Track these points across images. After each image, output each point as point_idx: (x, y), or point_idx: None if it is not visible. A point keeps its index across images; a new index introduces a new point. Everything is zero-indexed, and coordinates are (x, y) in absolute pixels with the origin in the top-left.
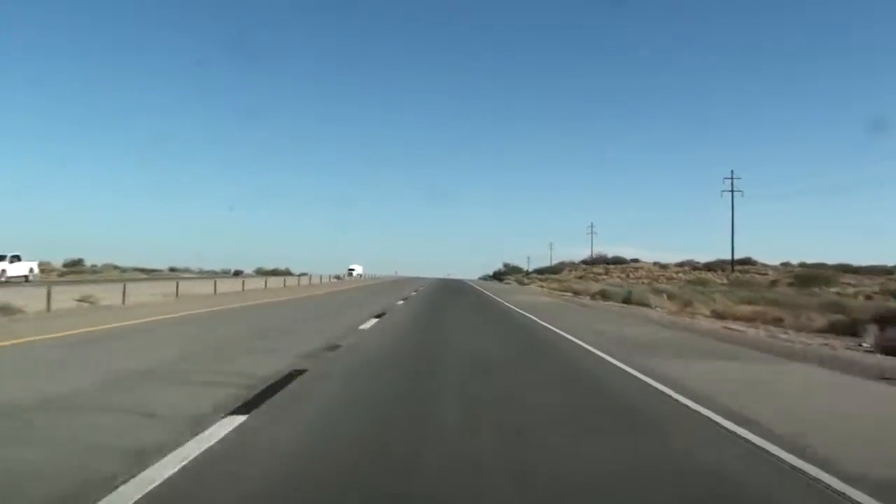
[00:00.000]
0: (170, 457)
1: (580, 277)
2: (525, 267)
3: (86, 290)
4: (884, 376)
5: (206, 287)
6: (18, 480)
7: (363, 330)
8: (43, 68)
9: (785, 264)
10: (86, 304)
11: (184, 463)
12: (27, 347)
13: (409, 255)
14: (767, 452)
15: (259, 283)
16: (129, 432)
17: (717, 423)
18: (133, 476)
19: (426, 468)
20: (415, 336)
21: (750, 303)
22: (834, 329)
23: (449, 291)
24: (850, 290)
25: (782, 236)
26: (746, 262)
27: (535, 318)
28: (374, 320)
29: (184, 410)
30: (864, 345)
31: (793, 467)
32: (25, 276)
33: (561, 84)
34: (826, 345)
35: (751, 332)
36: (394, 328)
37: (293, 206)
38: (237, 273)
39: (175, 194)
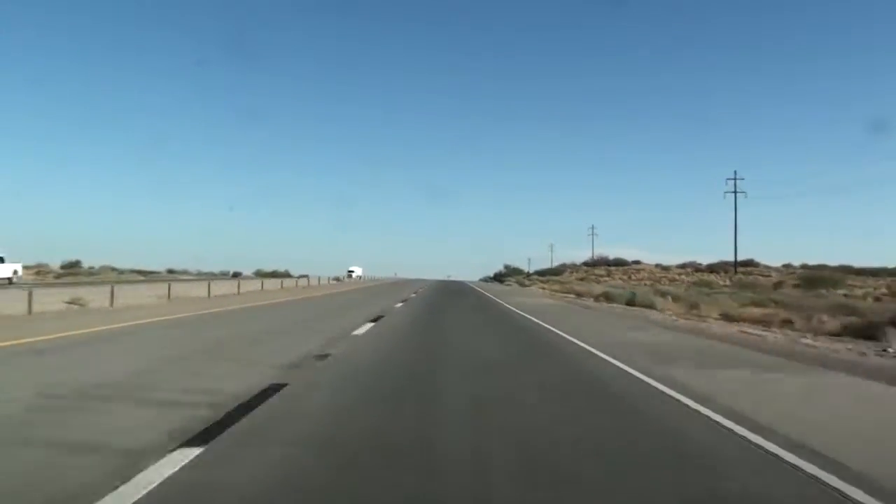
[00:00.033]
0: None
1: (582, 279)
2: (525, 268)
3: (77, 292)
4: None
5: (201, 289)
6: None
7: (356, 336)
8: (43, 68)
9: (787, 266)
10: (76, 307)
11: None
12: None
13: (409, 257)
14: None
15: (256, 285)
16: (42, 476)
17: (795, 467)
18: None
19: None
20: (413, 339)
21: (757, 305)
22: (848, 332)
23: (449, 293)
24: (858, 291)
25: (783, 237)
26: (749, 263)
27: (538, 321)
28: (370, 324)
29: (125, 441)
30: (890, 350)
31: None
32: (9, 279)
33: (561, 84)
34: (851, 350)
35: (770, 336)
36: (390, 333)
37: (293, 206)
38: (236, 275)
39: (175, 194)
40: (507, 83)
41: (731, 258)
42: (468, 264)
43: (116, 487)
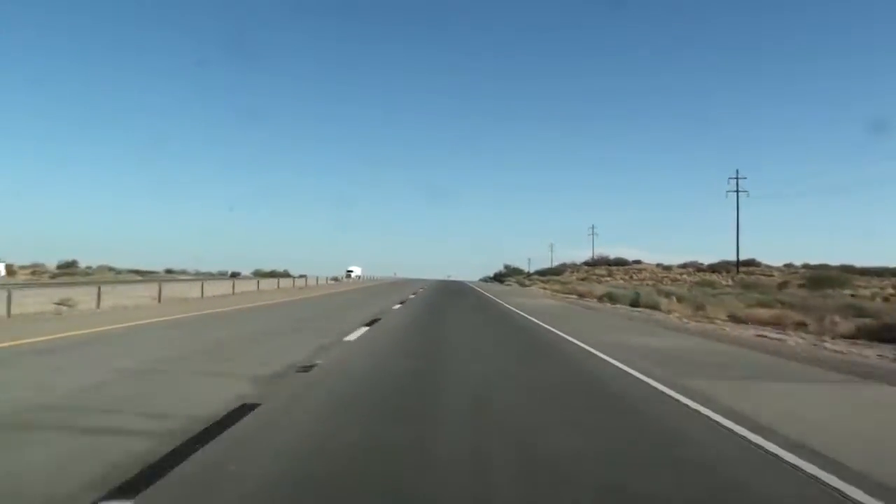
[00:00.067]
0: None
1: (583, 279)
2: (526, 268)
3: (67, 292)
4: None
5: (195, 290)
6: None
7: (349, 342)
8: (43, 68)
9: (788, 265)
10: (64, 308)
11: None
12: None
13: (408, 257)
14: None
15: (252, 285)
16: None
17: None
18: None
19: None
20: (412, 341)
21: (763, 305)
22: (863, 334)
23: (448, 294)
24: (865, 292)
25: (783, 237)
26: (750, 263)
27: (540, 322)
28: (365, 328)
29: (34, 490)
30: None
31: None
32: None
33: (561, 84)
34: (883, 357)
35: (790, 340)
36: (386, 338)
37: (293, 206)
38: (234, 275)
39: (174, 195)
40: (507, 83)
41: (732, 258)
42: (468, 264)
43: None
